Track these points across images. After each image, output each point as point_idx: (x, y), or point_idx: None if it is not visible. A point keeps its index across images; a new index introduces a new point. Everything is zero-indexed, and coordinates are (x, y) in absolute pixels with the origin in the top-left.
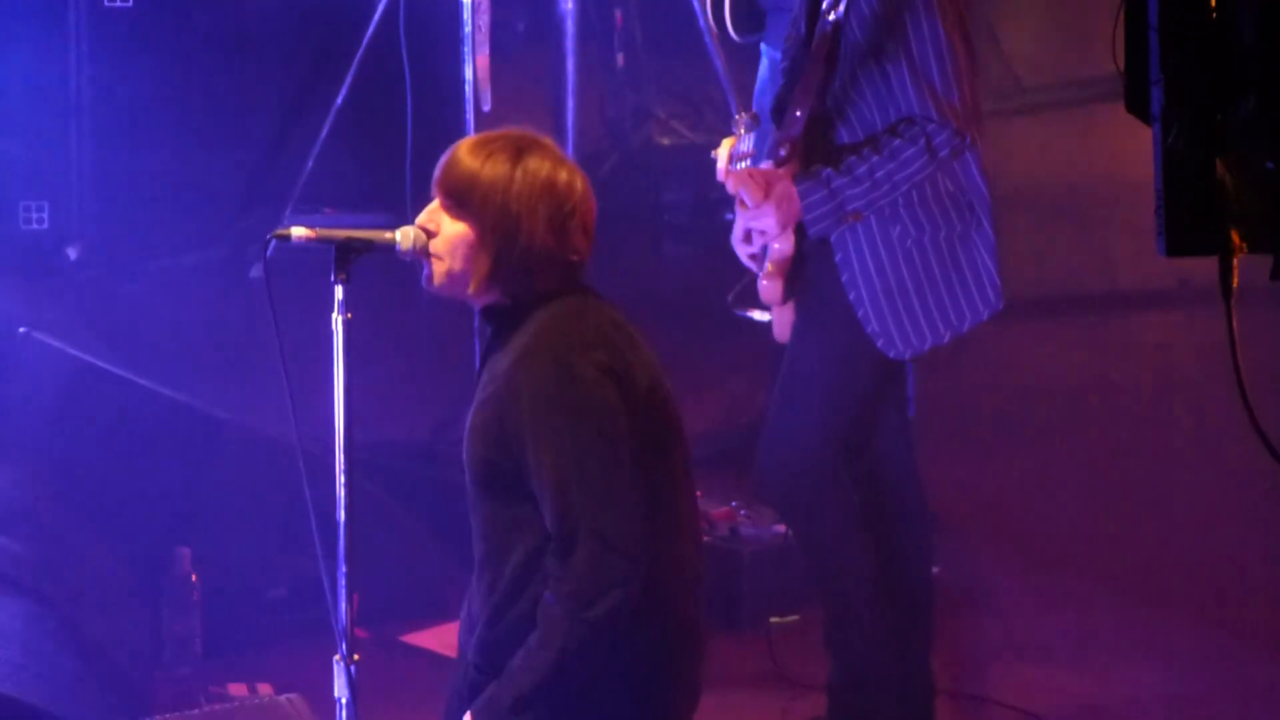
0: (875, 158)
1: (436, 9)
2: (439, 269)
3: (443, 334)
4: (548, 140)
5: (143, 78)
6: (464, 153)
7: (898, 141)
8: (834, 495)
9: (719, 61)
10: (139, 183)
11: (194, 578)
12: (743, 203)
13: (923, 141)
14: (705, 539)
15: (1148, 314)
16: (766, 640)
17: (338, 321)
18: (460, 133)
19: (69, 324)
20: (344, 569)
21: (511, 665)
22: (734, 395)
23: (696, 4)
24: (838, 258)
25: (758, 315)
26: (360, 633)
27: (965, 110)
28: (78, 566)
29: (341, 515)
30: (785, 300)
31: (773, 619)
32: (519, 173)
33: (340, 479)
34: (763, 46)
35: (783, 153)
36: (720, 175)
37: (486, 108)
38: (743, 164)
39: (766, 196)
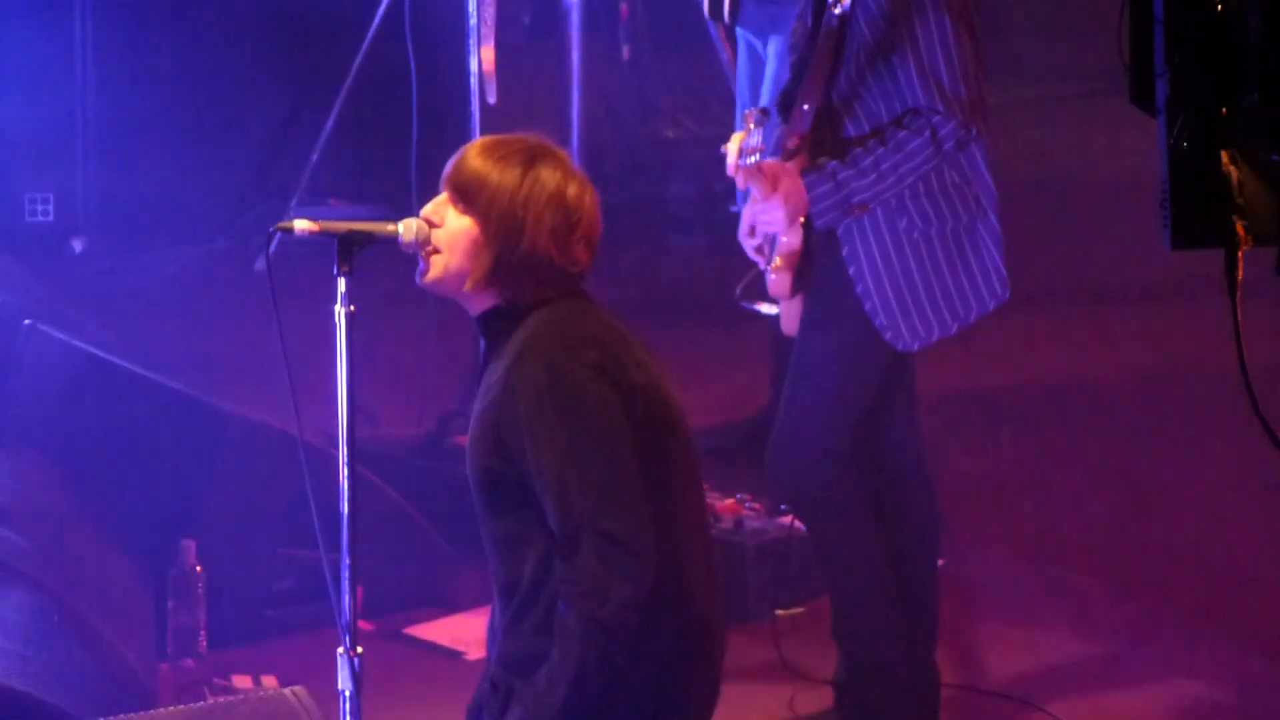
0: (881, 150)
1: (442, 1)
2: (437, 262)
3: (448, 327)
4: (561, 151)
5: (148, 71)
6: (477, 152)
7: (903, 134)
8: (844, 489)
9: (724, 54)
10: (144, 176)
11: (199, 570)
12: (754, 197)
13: (928, 134)
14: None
15: (1151, 306)
16: (772, 632)
17: (341, 314)
18: (465, 125)
19: (74, 316)
20: (348, 562)
21: (538, 684)
22: (739, 388)
23: None
24: (845, 251)
25: (765, 308)
26: (364, 625)
27: (971, 102)
28: (82, 558)
29: (345, 508)
30: (793, 294)
31: (778, 611)
32: (529, 179)
33: (344, 471)
34: (739, 31)
35: (790, 147)
36: (730, 170)
37: (492, 100)
38: (752, 158)
39: (774, 190)
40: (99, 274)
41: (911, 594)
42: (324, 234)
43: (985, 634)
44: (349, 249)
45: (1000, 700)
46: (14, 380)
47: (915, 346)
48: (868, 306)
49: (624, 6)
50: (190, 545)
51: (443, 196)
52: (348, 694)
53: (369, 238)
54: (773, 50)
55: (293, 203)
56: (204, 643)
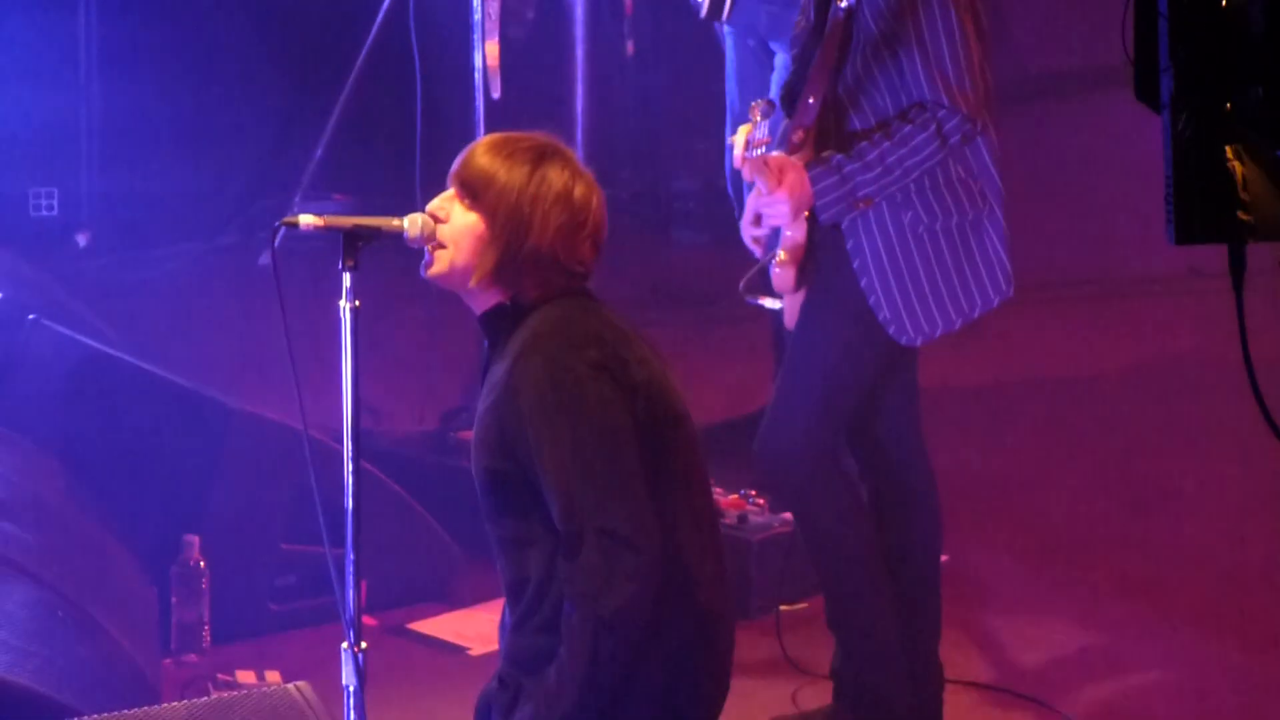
0: (886, 144)
1: None
2: (442, 257)
3: (452, 322)
4: (569, 151)
5: (152, 66)
6: (485, 149)
7: (909, 128)
8: (831, 479)
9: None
10: (148, 171)
11: (202, 565)
12: (759, 190)
13: (933, 128)
14: None
15: (1155, 301)
16: (776, 627)
17: (346, 309)
18: (470, 120)
19: (78, 311)
20: (352, 557)
21: (548, 684)
22: (743, 383)
23: None
24: (849, 245)
25: (769, 303)
26: (368, 620)
27: (977, 97)
28: (85, 554)
29: (349, 503)
30: (797, 288)
31: (782, 606)
32: (537, 177)
33: (348, 467)
34: (727, 29)
35: (795, 140)
36: (736, 162)
37: (496, 95)
38: (758, 151)
39: (779, 183)
40: (103, 269)
41: (914, 589)
42: (329, 229)
43: (988, 630)
44: (354, 244)
45: (1003, 695)
46: (18, 375)
47: (919, 341)
48: (872, 300)
49: (628, 1)
50: (194, 540)
51: (449, 192)
52: (352, 689)
53: (374, 233)
54: (780, 60)
55: (297, 198)
56: (207, 638)
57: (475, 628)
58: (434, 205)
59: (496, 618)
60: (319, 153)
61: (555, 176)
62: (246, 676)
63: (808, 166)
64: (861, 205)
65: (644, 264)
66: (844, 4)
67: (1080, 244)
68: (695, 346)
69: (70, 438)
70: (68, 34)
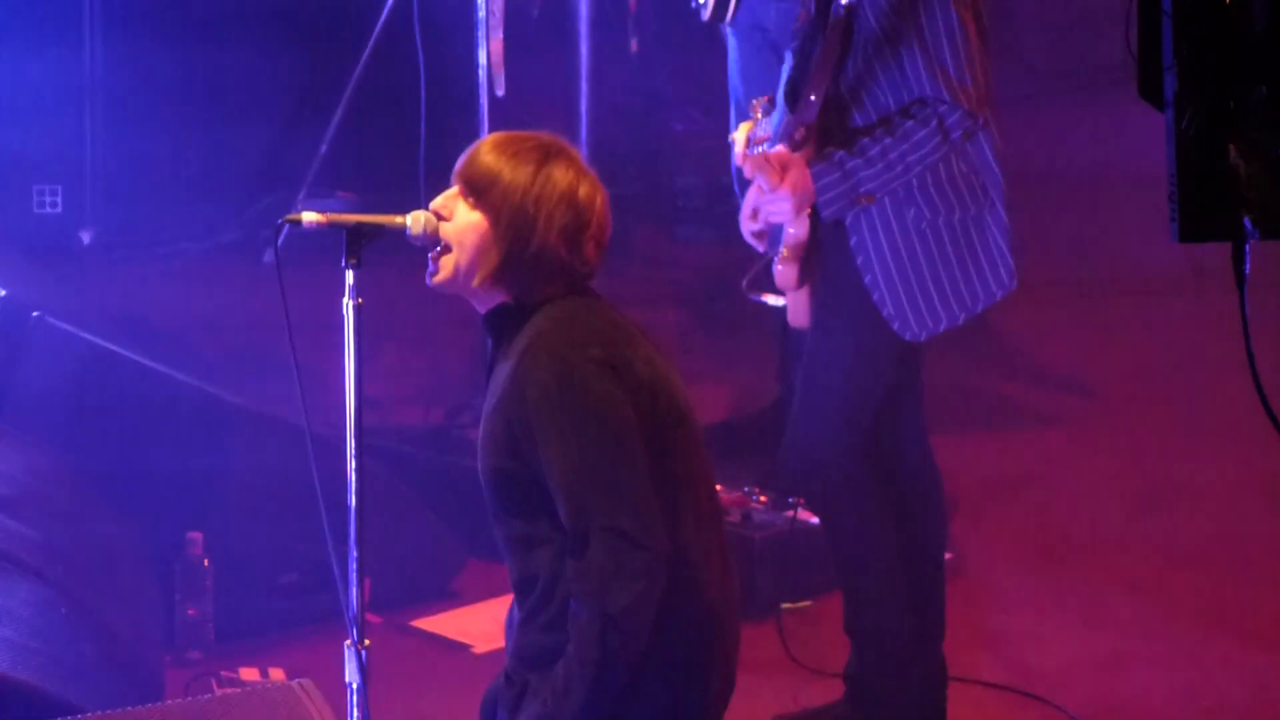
0: (888, 139)
1: None
2: (446, 262)
3: (455, 320)
4: (574, 150)
5: (156, 63)
6: (490, 147)
7: (910, 123)
8: (859, 482)
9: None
10: (152, 167)
11: (206, 563)
12: (760, 187)
13: (935, 123)
14: None
15: (1158, 299)
16: (778, 625)
17: (349, 306)
18: (474, 117)
19: (82, 308)
20: (355, 554)
21: (556, 682)
22: (747, 381)
23: None
24: (852, 241)
25: (771, 300)
26: (371, 618)
27: (978, 92)
28: (90, 551)
29: (352, 500)
30: (800, 285)
31: (784, 604)
32: (542, 177)
33: (351, 464)
34: (728, 30)
35: (797, 137)
36: (738, 160)
37: (500, 92)
38: (760, 148)
39: (781, 180)
40: (107, 266)
41: (918, 587)
42: (332, 226)
43: (991, 628)
44: (357, 241)
45: (1007, 694)
46: (22, 372)
47: (922, 336)
48: (875, 297)
49: None
50: (197, 538)
51: (453, 190)
52: (355, 686)
53: (377, 230)
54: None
55: (301, 195)
56: (211, 635)
57: (478, 625)
58: (437, 203)
59: (499, 615)
60: (323, 150)
61: (560, 176)
62: (250, 674)
63: (810, 163)
64: (864, 201)
65: (648, 262)
66: (845, 0)
67: (1081, 242)
68: (699, 345)
69: (74, 435)
70: (72, 30)
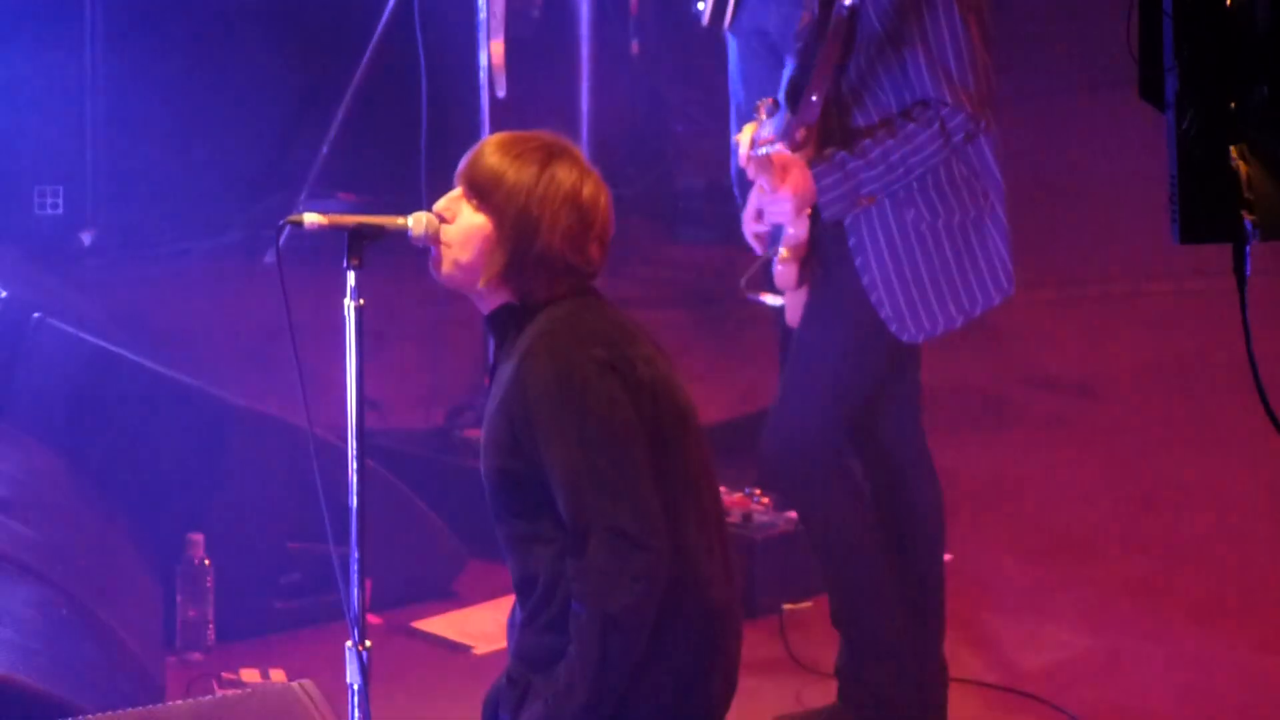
0: (889, 141)
1: None
2: (448, 257)
3: (457, 320)
4: (577, 150)
5: (157, 64)
6: (493, 148)
7: (911, 125)
8: (835, 478)
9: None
10: (153, 169)
11: (207, 563)
12: (763, 188)
13: (936, 125)
14: None
15: (1158, 300)
16: (780, 626)
17: (350, 307)
18: (475, 118)
19: (83, 309)
20: (356, 555)
21: (557, 683)
22: (747, 381)
23: None
24: (851, 242)
25: (770, 299)
26: (372, 619)
27: (980, 95)
28: (90, 552)
29: (353, 501)
30: (799, 285)
31: (785, 605)
32: (546, 178)
33: (352, 465)
34: (728, 34)
35: (798, 137)
36: (741, 161)
37: (501, 93)
38: (763, 149)
39: (783, 180)
40: (108, 267)
41: (918, 589)
42: (333, 228)
43: (992, 629)
44: (358, 242)
45: (1007, 695)
46: (23, 373)
47: (920, 338)
48: (874, 298)
49: (633, 0)
50: (198, 539)
51: (456, 191)
52: (356, 688)
53: (379, 231)
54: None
55: (302, 196)
56: (212, 636)
57: (480, 626)
58: (441, 205)
59: (501, 616)
60: (324, 151)
61: (564, 176)
62: (251, 675)
63: (811, 163)
64: (864, 202)
65: (649, 263)
66: (848, 1)
67: (1082, 243)
68: (700, 345)
69: (75, 436)
70: (73, 33)
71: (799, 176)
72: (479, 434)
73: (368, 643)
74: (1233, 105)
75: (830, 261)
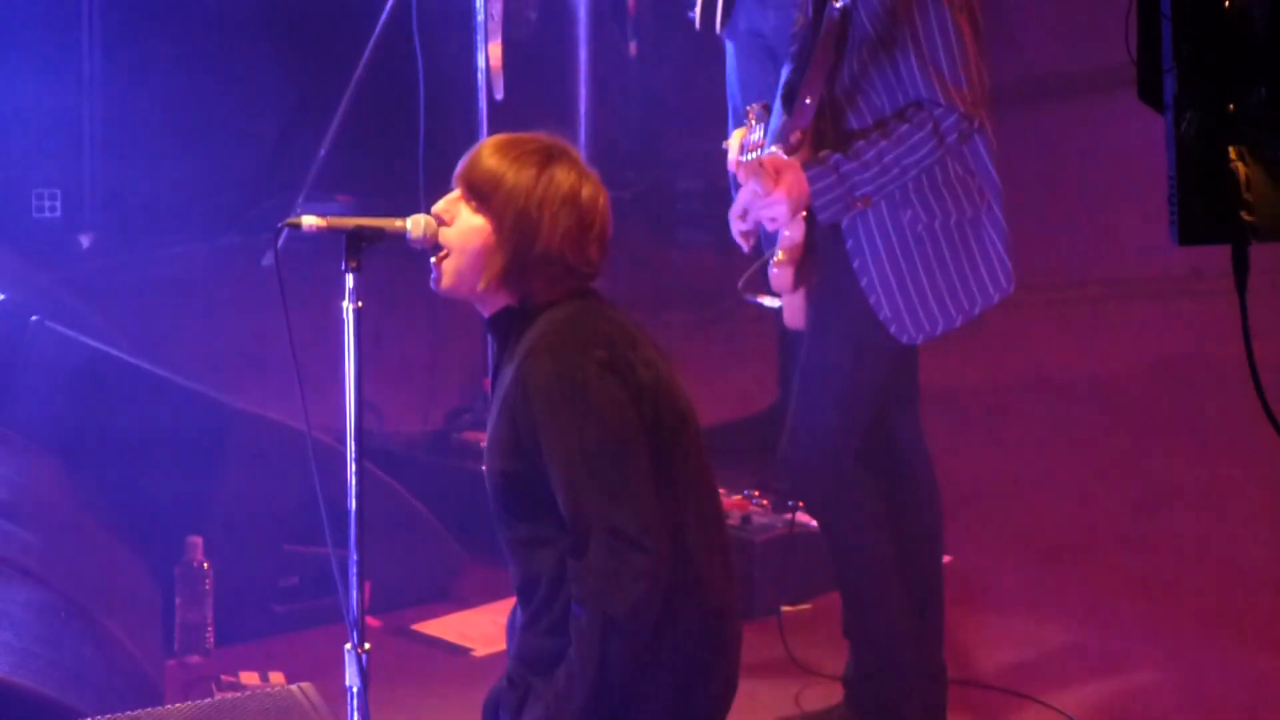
0: (883, 143)
1: None
2: (448, 265)
3: (455, 323)
4: (575, 151)
5: (155, 67)
6: (492, 150)
7: (905, 127)
8: (857, 486)
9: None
10: (151, 171)
11: (206, 566)
12: (754, 190)
13: (930, 126)
14: None
15: (1157, 301)
16: (779, 628)
17: (349, 310)
18: (473, 121)
19: (81, 312)
20: (355, 558)
21: (557, 685)
22: (746, 384)
23: None
24: (848, 244)
25: (767, 301)
26: (372, 621)
27: (973, 95)
28: (89, 555)
29: (352, 504)
30: (796, 288)
31: (784, 607)
32: (544, 179)
33: (351, 467)
34: (725, 37)
35: (792, 140)
36: (731, 166)
37: (499, 96)
38: (753, 154)
39: (776, 184)
40: (106, 270)
41: (917, 590)
42: (331, 230)
43: (992, 630)
44: (357, 245)
45: (1007, 696)
46: (21, 376)
47: (919, 339)
48: (872, 300)
49: (631, 1)
50: (197, 541)
51: (455, 194)
52: (355, 690)
53: (377, 234)
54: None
55: (300, 199)
56: (211, 639)
57: (479, 628)
58: (439, 207)
59: (500, 619)
60: (322, 154)
61: (563, 178)
62: (250, 678)
63: (805, 166)
64: (860, 205)
65: (648, 265)
66: (839, 4)
67: (1081, 244)
68: (699, 347)
69: (73, 439)
70: (70, 36)
71: (793, 179)
72: (477, 436)
73: (367, 645)
74: (1231, 106)
75: (828, 264)
